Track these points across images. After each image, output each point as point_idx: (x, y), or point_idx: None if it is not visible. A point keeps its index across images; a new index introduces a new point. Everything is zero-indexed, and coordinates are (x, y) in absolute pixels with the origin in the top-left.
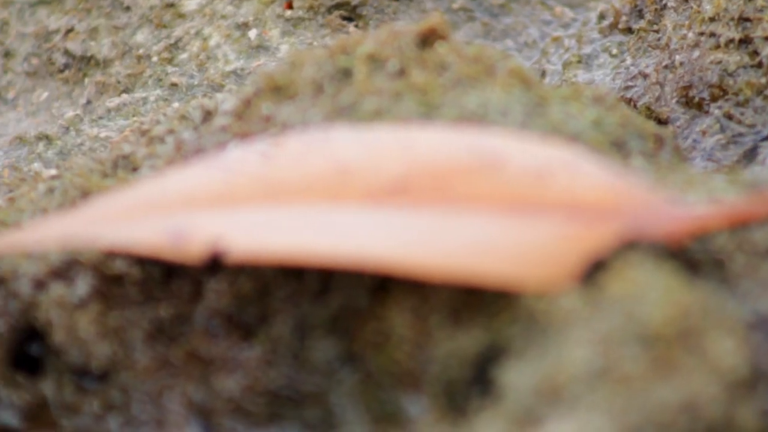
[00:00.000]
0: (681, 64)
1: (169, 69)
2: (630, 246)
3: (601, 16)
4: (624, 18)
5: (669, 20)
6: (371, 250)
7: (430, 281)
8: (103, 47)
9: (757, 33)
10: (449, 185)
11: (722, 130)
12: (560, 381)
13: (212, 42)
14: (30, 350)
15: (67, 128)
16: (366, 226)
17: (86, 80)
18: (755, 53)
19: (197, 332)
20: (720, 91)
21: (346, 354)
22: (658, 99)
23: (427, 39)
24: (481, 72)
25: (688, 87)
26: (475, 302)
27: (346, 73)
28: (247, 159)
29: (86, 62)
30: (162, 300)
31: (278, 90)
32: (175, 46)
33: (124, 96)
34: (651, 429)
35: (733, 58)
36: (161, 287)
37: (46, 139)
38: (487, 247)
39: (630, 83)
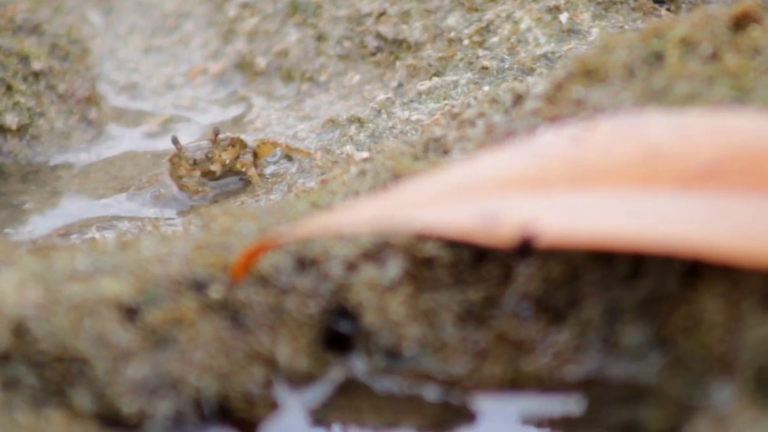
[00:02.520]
0: None
1: (480, 52)
2: None
3: None
4: None
5: None
6: (683, 235)
7: (742, 266)
8: (414, 30)
9: None
10: (762, 170)
11: None
12: None
13: (523, 25)
14: (341, 331)
15: (379, 111)
16: (678, 211)
17: (397, 63)
18: None
19: (506, 315)
20: None
21: (655, 338)
22: None
23: (741, 22)
24: None
25: None
26: None
27: (658, 57)
28: (557, 143)
29: (398, 45)
30: (472, 283)
31: (589, 73)
32: (486, 30)
33: (435, 79)
34: None
35: None
36: (471, 270)
37: (358, 121)
38: None
39: None
